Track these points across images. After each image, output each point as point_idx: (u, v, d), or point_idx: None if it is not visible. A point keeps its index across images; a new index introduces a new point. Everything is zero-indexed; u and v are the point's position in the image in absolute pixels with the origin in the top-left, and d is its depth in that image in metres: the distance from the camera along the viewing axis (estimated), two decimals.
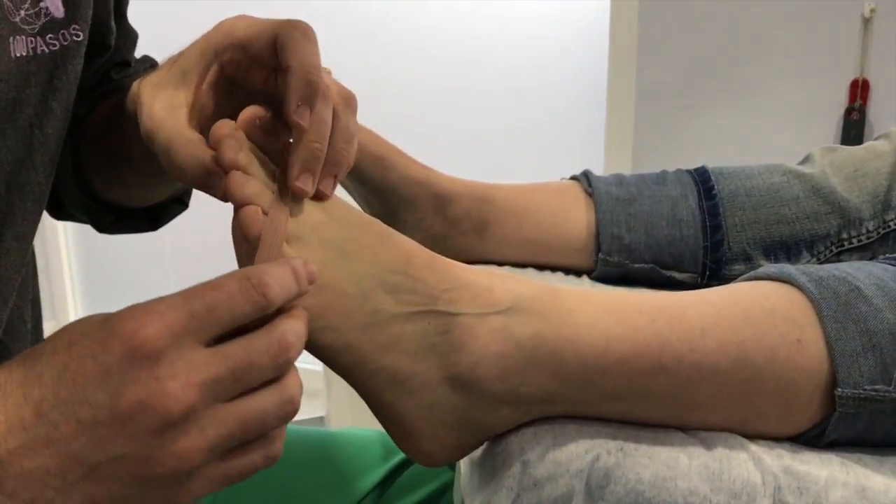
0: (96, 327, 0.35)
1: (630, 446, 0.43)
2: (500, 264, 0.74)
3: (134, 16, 0.68)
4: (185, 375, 0.34)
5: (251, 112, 0.48)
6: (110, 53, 0.63)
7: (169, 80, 0.49)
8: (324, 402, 1.60)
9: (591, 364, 0.43)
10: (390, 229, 0.46)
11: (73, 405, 0.34)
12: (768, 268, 0.48)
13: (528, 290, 0.45)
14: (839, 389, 0.42)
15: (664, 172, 0.75)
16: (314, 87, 0.43)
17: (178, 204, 0.68)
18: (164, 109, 0.47)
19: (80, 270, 2.48)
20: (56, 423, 0.34)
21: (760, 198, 0.70)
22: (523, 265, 0.74)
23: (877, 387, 0.42)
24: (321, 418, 1.95)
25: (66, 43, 0.50)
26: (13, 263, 0.50)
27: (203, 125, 0.48)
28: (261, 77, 0.48)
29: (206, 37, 0.49)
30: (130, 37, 0.67)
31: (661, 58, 1.61)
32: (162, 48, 0.57)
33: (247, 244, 0.43)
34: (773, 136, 1.58)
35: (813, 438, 0.44)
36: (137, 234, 0.69)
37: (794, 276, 0.46)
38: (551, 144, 1.96)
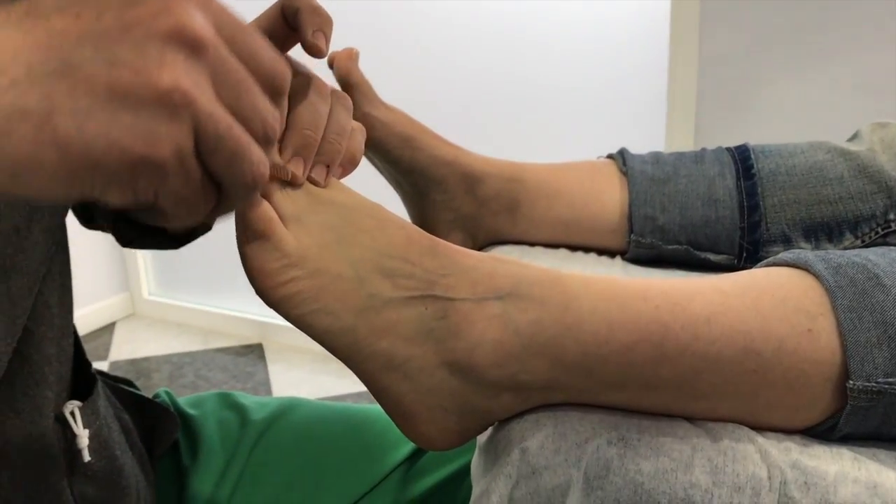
0: None
1: (632, 436, 0.42)
2: (532, 244, 0.73)
3: None
4: (205, 19, 0.32)
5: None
6: None
7: None
8: None
9: (592, 351, 0.42)
10: (391, 214, 0.46)
11: (76, 4, 0.30)
12: (786, 253, 0.46)
13: (529, 275, 0.45)
14: (851, 381, 0.40)
15: (703, 150, 0.73)
16: (324, 16, 0.47)
17: (204, 227, 0.69)
18: None
19: None
20: (48, 16, 0.30)
21: (802, 177, 0.67)
22: (555, 245, 0.73)
23: (891, 379, 0.40)
24: (359, 394, 1.98)
25: None
26: (40, 256, 0.52)
27: None
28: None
29: None
30: None
31: (725, 25, 1.56)
32: None
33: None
34: (844, 109, 1.51)
35: (825, 432, 0.42)
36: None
37: (811, 262, 0.44)
38: (610, 119, 1.93)
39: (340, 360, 0.44)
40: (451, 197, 0.72)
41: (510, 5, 1.96)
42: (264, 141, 0.35)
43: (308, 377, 2.16)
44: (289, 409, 0.74)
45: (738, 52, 1.56)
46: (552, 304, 0.43)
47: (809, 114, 1.55)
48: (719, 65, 1.57)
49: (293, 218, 0.43)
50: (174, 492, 0.69)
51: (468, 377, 0.44)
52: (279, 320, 2.58)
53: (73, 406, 0.56)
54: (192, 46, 0.31)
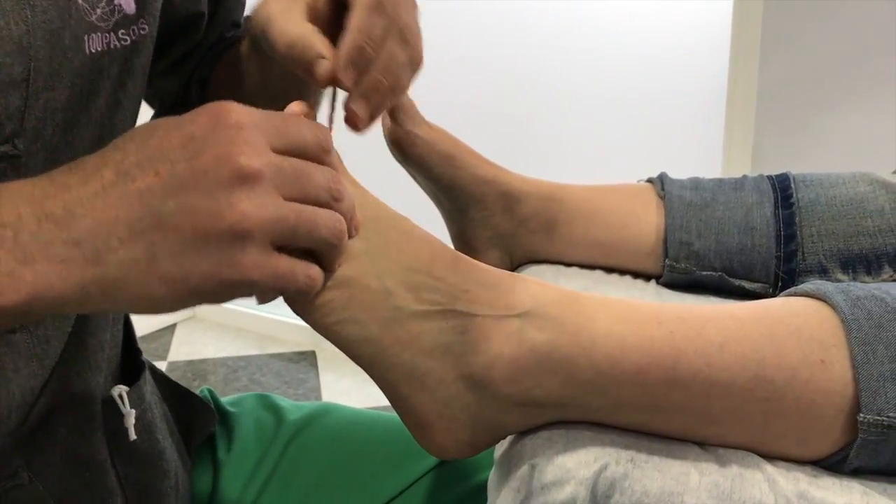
0: (182, 115, 0.39)
1: (641, 457, 0.43)
2: (568, 265, 0.74)
3: None
4: (260, 149, 0.38)
5: (297, 107, 0.48)
6: (223, 18, 0.69)
7: (294, 9, 0.53)
8: None
9: (606, 372, 0.43)
10: (417, 227, 0.48)
11: (153, 161, 0.38)
12: (808, 284, 0.46)
13: (548, 294, 0.46)
14: (862, 415, 0.40)
15: (744, 178, 0.73)
16: (363, 55, 0.48)
17: None
18: (281, 11, 0.52)
19: None
20: (134, 176, 0.37)
21: (842, 208, 0.66)
22: (591, 267, 0.74)
23: None
24: None
25: (135, 38, 0.54)
26: None
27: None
28: None
29: None
30: (230, 10, 0.71)
31: (785, 51, 1.54)
32: None
33: None
34: None
35: (836, 464, 0.42)
36: None
37: (830, 293, 0.44)
38: (667, 143, 1.91)
39: (363, 367, 0.46)
40: (489, 215, 0.73)
41: (565, 22, 1.96)
42: (333, 201, 0.41)
43: (357, 387, 2.19)
44: (323, 413, 0.77)
45: (799, 77, 1.54)
46: (568, 324, 0.44)
47: (868, 141, 1.52)
48: (779, 89, 1.55)
49: None
50: (209, 482, 0.72)
51: (484, 391, 0.45)
52: None
53: (120, 389, 0.59)
54: (251, 180, 0.38)
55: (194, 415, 0.73)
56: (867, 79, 1.50)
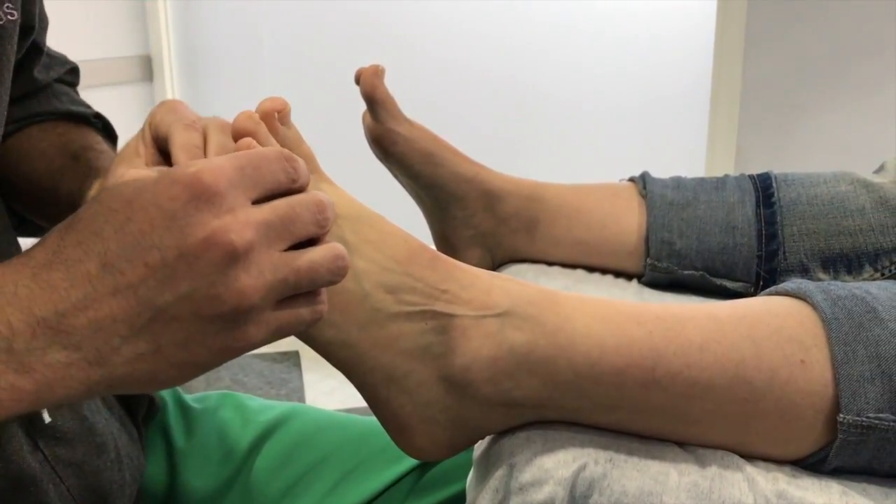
0: (154, 182, 0.37)
1: (620, 457, 0.43)
2: (550, 264, 0.74)
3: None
4: (244, 215, 0.37)
5: (270, 104, 0.49)
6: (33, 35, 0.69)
7: (123, 157, 0.53)
8: None
9: (584, 373, 0.43)
10: (392, 225, 0.47)
11: (139, 251, 0.36)
12: (788, 283, 0.46)
13: (526, 294, 0.45)
14: (841, 415, 0.40)
15: (726, 177, 0.72)
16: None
17: None
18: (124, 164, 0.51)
19: None
20: (123, 270, 0.36)
21: (823, 207, 0.66)
22: (573, 266, 0.73)
23: (882, 415, 0.40)
24: None
25: (1, 22, 0.55)
26: None
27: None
28: None
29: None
30: (43, 22, 0.72)
31: (769, 53, 1.54)
32: None
33: None
34: (887, 138, 1.49)
35: (815, 464, 0.42)
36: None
37: (810, 292, 0.44)
38: (651, 144, 1.92)
39: (341, 371, 0.46)
40: (470, 213, 0.73)
41: (547, 25, 1.96)
42: (321, 229, 0.40)
43: (341, 387, 2.18)
44: (292, 416, 0.76)
45: (782, 79, 1.55)
46: (547, 324, 0.44)
47: (851, 142, 1.53)
48: (762, 90, 1.56)
49: None
50: (164, 468, 0.71)
51: (463, 392, 0.44)
52: None
53: None
54: (244, 255, 0.36)
55: None
56: (850, 80, 1.51)
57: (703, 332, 0.42)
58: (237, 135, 0.45)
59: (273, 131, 0.47)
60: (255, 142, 0.44)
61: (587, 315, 0.44)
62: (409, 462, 0.70)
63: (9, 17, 0.56)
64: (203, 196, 0.36)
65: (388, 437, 0.73)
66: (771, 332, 0.42)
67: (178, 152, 0.46)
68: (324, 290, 0.40)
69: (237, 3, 2.28)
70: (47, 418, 0.57)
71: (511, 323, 0.44)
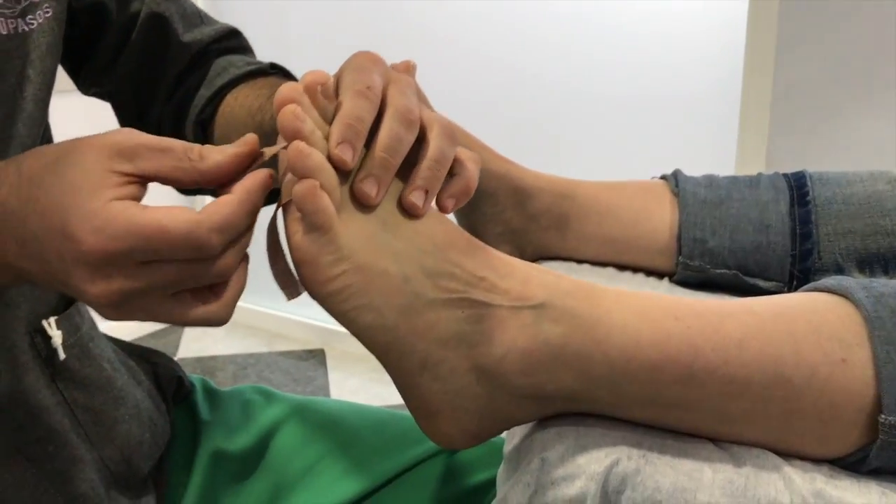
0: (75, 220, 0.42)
1: (653, 453, 0.42)
2: (580, 262, 0.73)
3: None
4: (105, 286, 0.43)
5: (313, 77, 0.48)
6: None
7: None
8: None
9: (620, 368, 0.42)
10: (433, 209, 0.47)
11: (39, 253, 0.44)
12: (828, 279, 0.45)
13: (563, 286, 0.45)
14: (883, 416, 0.39)
15: (759, 175, 0.72)
16: (352, 131, 0.45)
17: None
18: None
19: None
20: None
21: (859, 206, 0.65)
22: (603, 264, 0.73)
23: None
24: None
25: (41, 21, 0.59)
26: None
27: None
28: None
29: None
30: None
31: (801, 53, 1.53)
32: None
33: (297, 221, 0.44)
34: None
35: (854, 464, 0.41)
36: None
37: (852, 289, 0.43)
38: (680, 145, 1.90)
39: (375, 355, 0.45)
40: (500, 210, 0.72)
41: (576, 21, 1.95)
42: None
43: (366, 385, 2.18)
44: (316, 402, 0.79)
45: (815, 80, 1.53)
46: (583, 317, 0.43)
47: (885, 144, 1.51)
48: (794, 91, 1.54)
49: (342, 208, 0.44)
50: (191, 436, 0.75)
51: (495, 383, 0.44)
52: (342, 327, 2.60)
53: (50, 319, 0.63)
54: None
55: (158, 367, 0.76)
56: (884, 82, 1.49)
57: (742, 329, 0.42)
58: (280, 104, 0.45)
59: (315, 103, 0.47)
60: (298, 108, 0.44)
61: (624, 309, 0.43)
62: (431, 445, 0.70)
63: (45, 15, 0.60)
64: (83, 259, 0.42)
65: (409, 423, 0.74)
66: (811, 329, 0.41)
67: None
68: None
69: (265, 2, 2.30)
70: (62, 355, 0.63)
71: (547, 315, 0.43)
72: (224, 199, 0.44)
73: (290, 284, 0.49)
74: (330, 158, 0.44)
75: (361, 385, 2.19)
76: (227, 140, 0.69)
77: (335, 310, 0.44)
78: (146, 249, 0.42)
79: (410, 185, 0.46)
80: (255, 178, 0.45)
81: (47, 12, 0.60)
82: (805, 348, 0.41)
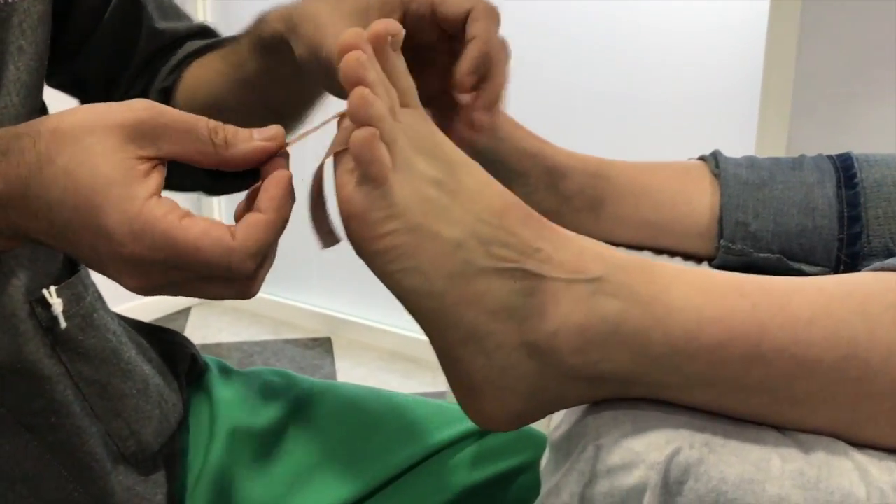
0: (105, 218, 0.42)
1: (716, 441, 0.40)
2: (615, 245, 0.71)
3: None
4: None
5: (383, 25, 0.44)
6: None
7: (344, 12, 0.52)
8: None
9: (680, 347, 0.40)
10: (488, 175, 0.44)
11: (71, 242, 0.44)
12: (894, 259, 0.43)
13: (619, 260, 0.42)
14: None
15: (802, 157, 0.69)
16: (487, 63, 0.51)
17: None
18: (330, 11, 0.52)
19: None
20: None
21: None
22: (639, 248, 0.70)
23: None
24: (443, 393, 1.96)
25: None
26: None
27: None
28: (432, 37, 0.53)
29: None
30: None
31: (824, 40, 1.50)
32: None
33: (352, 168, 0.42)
34: None
35: None
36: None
37: None
38: (700, 137, 1.87)
39: (418, 322, 0.43)
40: (532, 190, 0.70)
41: (603, 15, 1.93)
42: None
43: (373, 374, 2.16)
44: (335, 385, 0.77)
45: (836, 68, 1.50)
46: (642, 293, 0.41)
47: None
48: (815, 79, 1.51)
49: (398, 164, 0.42)
50: (207, 415, 0.74)
51: (546, 361, 0.41)
52: (349, 315, 2.59)
53: (51, 288, 0.62)
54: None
55: (171, 344, 0.75)
56: None
57: (811, 307, 0.39)
58: (344, 50, 0.42)
59: (381, 57, 0.44)
60: (364, 55, 0.42)
61: (685, 285, 0.41)
62: (456, 431, 0.68)
63: None
64: (117, 257, 0.42)
65: (432, 409, 0.72)
66: (885, 307, 0.39)
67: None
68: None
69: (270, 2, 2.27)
70: (63, 324, 0.61)
71: (604, 290, 0.41)
72: (257, 221, 0.43)
73: (327, 234, 0.46)
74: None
75: (369, 373, 2.17)
76: (193, 102, 0.68)
77: (380, 270, 0.42)
78: (180, 265, 0.42)
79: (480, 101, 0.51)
80: (282, 189, 0.44)
81: None
82: (880, 327, 0.38)
